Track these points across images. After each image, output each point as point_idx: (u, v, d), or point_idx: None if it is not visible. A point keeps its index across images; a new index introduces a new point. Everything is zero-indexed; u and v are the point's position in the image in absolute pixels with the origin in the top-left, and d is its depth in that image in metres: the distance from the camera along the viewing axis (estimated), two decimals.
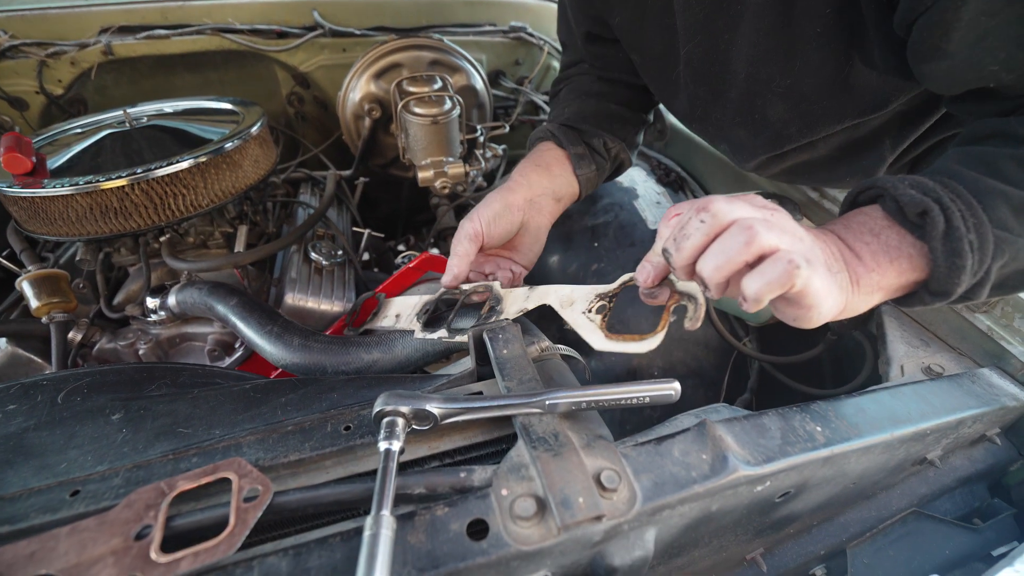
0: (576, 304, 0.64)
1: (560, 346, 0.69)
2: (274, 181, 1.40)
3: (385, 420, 0.50)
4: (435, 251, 1.05)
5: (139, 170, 0.94)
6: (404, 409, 0.50)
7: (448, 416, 0.52)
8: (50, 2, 1.34)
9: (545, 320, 1.39)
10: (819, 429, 0.54)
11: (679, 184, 1.37)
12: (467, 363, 0.67)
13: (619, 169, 0.99)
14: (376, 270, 1.52)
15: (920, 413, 0.60)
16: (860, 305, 0.51)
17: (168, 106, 1.22)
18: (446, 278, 0.75)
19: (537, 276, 1.30)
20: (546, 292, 0.68)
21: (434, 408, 0.51)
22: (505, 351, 0.60)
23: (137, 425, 0.60)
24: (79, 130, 1.19)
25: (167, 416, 0.61)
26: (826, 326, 0.96)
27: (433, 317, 0.78)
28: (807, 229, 0.49)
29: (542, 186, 0.85)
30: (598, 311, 0.61)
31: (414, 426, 0.52)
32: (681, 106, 0.87)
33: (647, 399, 0.51)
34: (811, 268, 0.43)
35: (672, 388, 0.51)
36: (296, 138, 1.61)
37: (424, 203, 1.59)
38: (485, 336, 0.61)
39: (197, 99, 1.24)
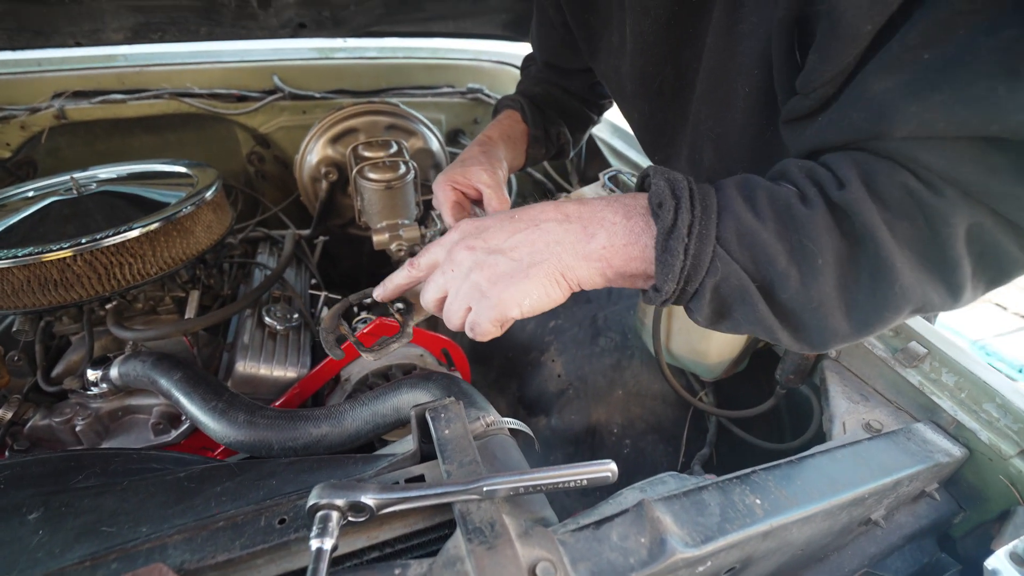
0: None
1: (507, 420, 0.69)
2: (230, 242, 1.39)
3: (319, 514, 0.49)
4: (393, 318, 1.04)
5: (84, 240, 0.92)
6: (339, 502, 0.49)
7: (386, 506, 0.51)
8: (1, 67, 1.33)
9: (506, 377, 1.39)
10: (758, 502, 0.55)
11: None
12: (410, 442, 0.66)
13: (555, 156, 1.06)
14: None
15: (858, 476, 0.61)
16: (591, 275, 0.53)
17: (119, 170, 1.21)
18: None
19: None
20: None
21: (370, 499, 0.50)
22: (447, 431, 0.59)
23: (56, 524, 0.56)
24: (26, 195, 1.16)
25: (91, 512, 0.58)
26: (775, 380, 0.98)
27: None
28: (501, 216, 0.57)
29: (506, 160, 0.91)
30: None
31: (350, 518, 0.50)
32: (648, 136, 0.90)
33: (584, 482, 0.51)
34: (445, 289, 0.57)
35: (608, 470, 0.51)
36: (256, 196, 1.61)
37: (387, 257, 1.60)
38: (427, 415, 0.61)
39: (150, 162, 1.24)
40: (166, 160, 1.26)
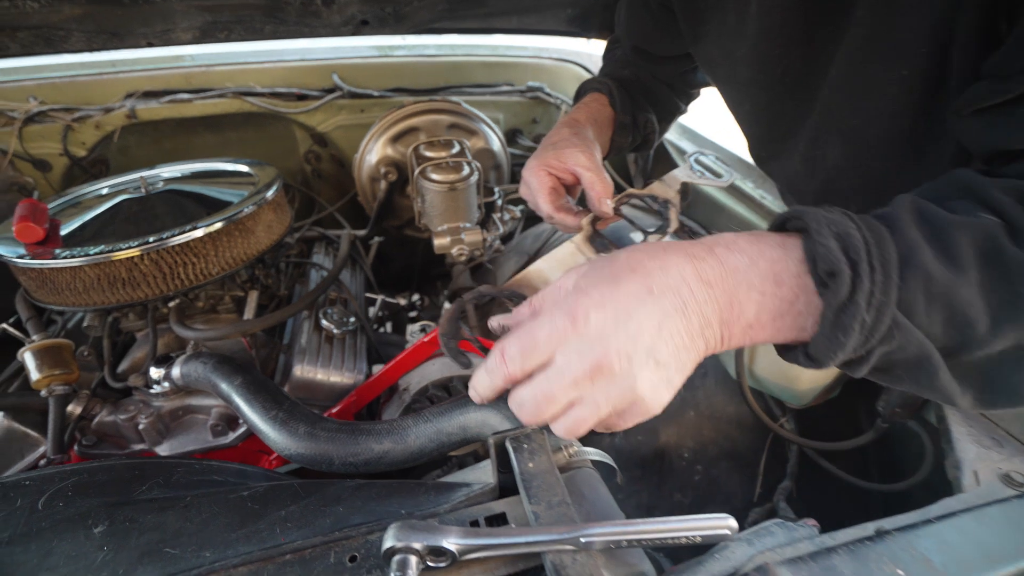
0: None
1: (590, 450, 0.63)
2: (287, 241, 1.38)
3: (396, 558, 0.44)
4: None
5: (151, 239, 0.91)
6: (417, 545, 0.44)
7: (469, 551, 0.45)
8: (79, 69, 1.37)
9: None
10: (900, 574, 0.46)
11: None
12: (487, 469, 0.61)
13: (639, 147, 0.97)
14: (388, 330, 1.48)
15: (1017, 546, 0.51)
16: (722, 346, 0.45)
17: (184, 168, 1.21)
18: (608, 206, 0.72)
19: None
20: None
21: (453, 544, 0.44)
22: (531, 464, 0.53)
23: (120, 541, 0.53)
24: (99, 193, 1.18)
25: (155, 531, 0.55)
26: (875, 411, 0.88)
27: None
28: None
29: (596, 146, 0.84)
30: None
31: (429, 563, 0.45)
32: (759, 129, 0.81)
33: (698, 538, 0.44)
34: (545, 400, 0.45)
35: (727, 527, 0.44)
36: (312, 196, 1.60)
37: (439, 258, 1.56)
38: (508, 445, 0.55)
39: (212, 161, 1.24)
40: (228, 159, 1.26)
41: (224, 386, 0.85)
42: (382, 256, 1.64)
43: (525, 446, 0.55)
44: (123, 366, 1.07)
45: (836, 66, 0.59)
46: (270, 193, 1.10)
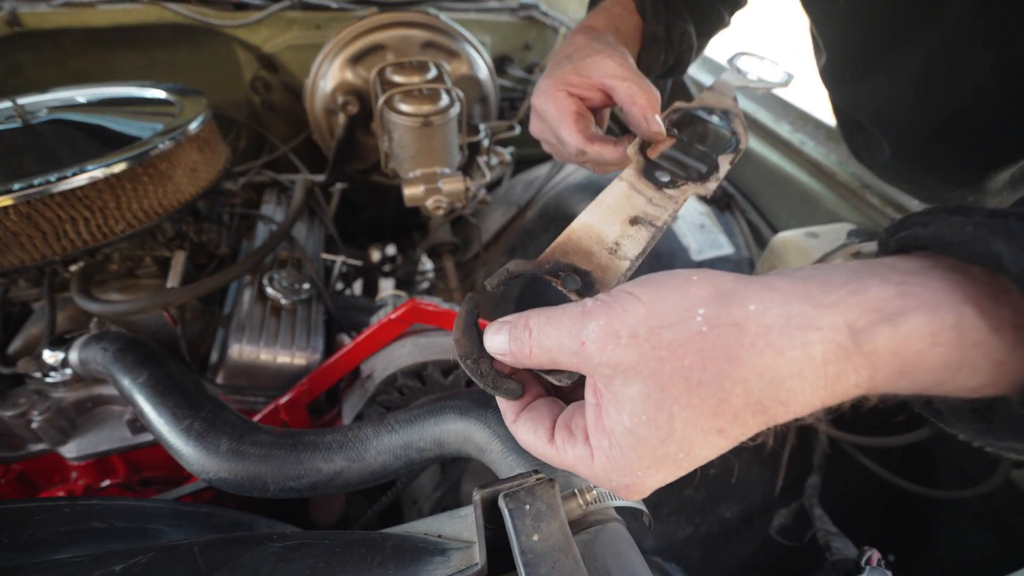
0: None
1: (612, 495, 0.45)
2: (229, 188, 1.14)
3: None
4: (426, 298, 0.80)
5: (16, 186, 0.68)
6: None
7: None
8: None
9: None
10: None
11: (725, 203, 1.13)
12: (469, 522, 0.43)
13: (671, 69, 0.73)
14: (354, 292, 1.27)
15: None
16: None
17: (81, 94, 0.95)
18: (659, 126, 0.52)
19: None
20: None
21: None
22: (536, 536, 0.36)
23: None
24: None
25: None
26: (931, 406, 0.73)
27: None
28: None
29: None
30: None
31: None
32: (853, 35, 0.59)
33: None
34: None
35: None
36: (262, 132, 1.34)
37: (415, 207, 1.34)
38: (503, 505, 0.37)
39: (121, 85, 0.98)
40: (143, 83, 1.00)
41: (125, 382, 0.65)
42: (348, 204, 1.41)
43: (527, 506, 0.37)
44: (15, 345, 0.86)
45: None
46: (193, 126, 0.86)
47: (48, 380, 0.79)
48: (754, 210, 1.11)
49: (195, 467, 0.57)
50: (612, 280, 0.42)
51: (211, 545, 0.43)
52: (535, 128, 0.61)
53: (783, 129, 1.06)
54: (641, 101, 0.52)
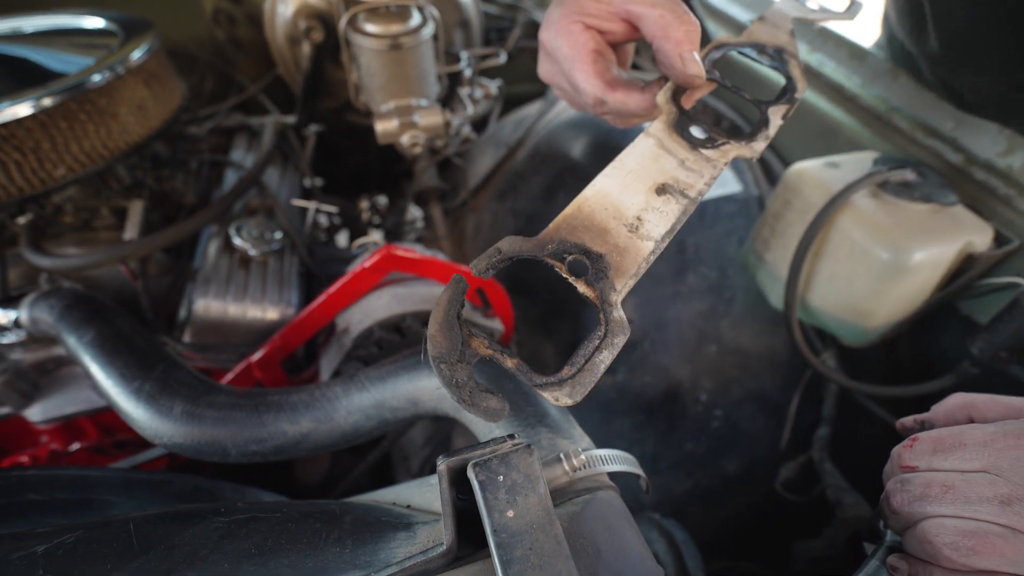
0: None
1: (603, 453, 0.40)
2: (194, 133, 1.05)
3: None
4: (410, 244, 0.73)
5: None
6: None
7: None
8: None
9: (555, 317, 1.08)
10: None
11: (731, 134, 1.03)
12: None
13: None
14: (333, 243, 1.20)
15: None
16: None
17: (9, 25, 0.84)
18: (696, 67, 0.42)
19: None
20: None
21: None
22: (511, 512, 0.31)
23: None
24: None
25: None
26: (964, 350, 0.67)
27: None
28: None
29: None
30: None
31: None
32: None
33: None
34: None
35: None
36: (227, 71, 1.23)
37: (401, 153, 1.24)
38: (472, 474, 0.31)
39: (54, 14, 0.87)
40: (80, 11, 0.89)
41: (71, 341, 0.59)
42: (329, 151, 1.31)
43: (500, 477, 0.32)
44: None
45: None
46: (136, 56, 0.76)
47: (3, 341, 0.74)
48: (771, 150, 1.01)
49: (148, 432, 0.52)
50: (631, 266, 0.35)
51: (148, 521, 0.38)
52: (544, 70, 0.50)
53: (800, 49, 0.95)
54: (676, 34, 0.41)
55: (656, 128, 0.41)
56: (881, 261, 0.63)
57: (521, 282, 0.99)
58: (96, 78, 0.71)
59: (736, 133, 0.42)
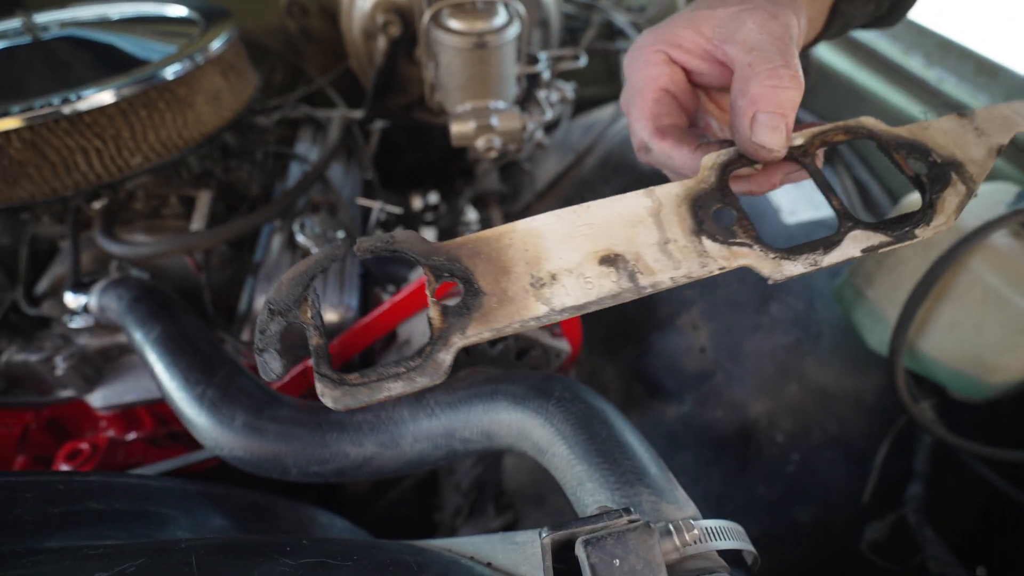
0: None
1: (715, 523, 0.34)
2: (261, 123, 1.05)
3: None
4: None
5: (16, 108, 0.60)
6: None
7: None
8: None
9: (620, 337, 1.00)
10: None
11: (828, 153, 0.95)
12: (528, 553, 0.34)
13: (880, 20, 0.49)
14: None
15: None
16: None
17: (98, 11, 0.85)
18: (773, 137, 0.33)
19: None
20: (1000, 114, 0.36)
21: None
22: None
23: None
24: None
25: None
26: None
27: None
28: None
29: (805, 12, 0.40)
30: None
31: None
32: None
33: None
34: None
35: None
36: (298, 64, 1.23)
37: (461, 150, 1.20)
38: (583, 555, 0.27)
39: (143, 1, 0.87)
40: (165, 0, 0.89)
41: (137, 336, 0.58)
42: (389, 146, 1.29)
43: (617, 560, 0.27)
44: (42, 286, 0.81)
45: None
46: (215, 46, 0.75)
47: (72, 325, 0.75)
48: (862, 165, 0.92)
49: (208, 441, 0.50)
50: (501, 321, 0.29)
51: (210, 553, 0.35)
52: (622, 99, 0.44)
53: (914, 63, 0.86)
54: (757, 88, 0.33)
55: (667, 191, 0.33)
56: (1022, 311, 0.55)
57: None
58: (177, 67, 0.70)
59: (766, 241, 0.32)
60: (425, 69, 0.81)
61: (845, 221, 0.32)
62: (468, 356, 0.69)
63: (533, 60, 0.86)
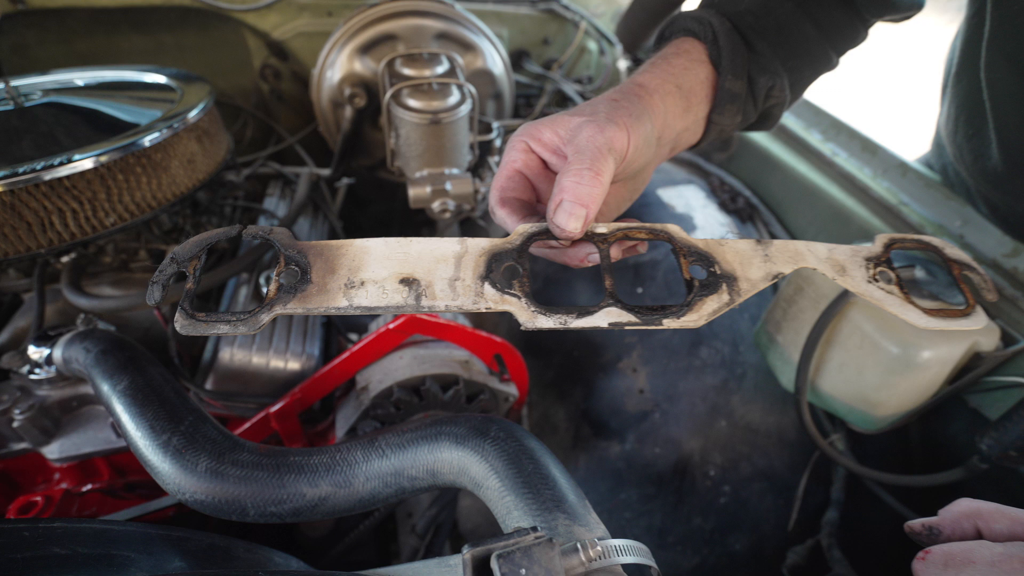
0: (850, 270, 0.43)
1: (619, 543, 0.41)
2: (232, 180, 1.11)
3: None
4: None
5: (1, 173, 0.64)
6: None
7: None
8: None
9: (568, 381, 1.08)
10: None
11: (748, 214, 1.07)
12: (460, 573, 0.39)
13: (754, 125, 0.60)
14: None
15: None
16: None
17: (81, 77, 0.91)
18: (569, 221, 0.41)
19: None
20: (794, 250, 0.43)
21: None
22: None
23: None
24: None
25: None
26: (973, 443, 0.67)
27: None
28: None
29: (674, 125, 0.52)
30: (885, 279, 0.43)
31: None
32: None
33: None
34: None
35: None
36: (269, 123, 1.30)
37: None
38: (496, 568, 0.33)
39: (120, 68, 0.94)
40: (144, 67, 0.96)
41: (104, 388, 0.61)
42: (355, 197, 1.37)
43: (523, 570, 0.33)
44: (2, 338, 0.83)
45: None
46: (192, 115, 0.82)
47: (32, 377, 0.76)
48: (778, 223, 1.05)
49: (171, 486, 0.54)
50: (318, 305, 0.37)
51: None
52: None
53: (813, 138, 1.00)
54: (564, 182, 0.41)
55: (476, 243, 0.41)
56: (890, 355, 0.65)
57: (537, 345, 1.01)
58: (155, 135, 0.76)
59: (549, 302, 0.40)
60: (387, 138, 0.89)
61: (608, 299, 0.39)
62: (421, 401, 0.75)
63: (487, 129, 0.96)
